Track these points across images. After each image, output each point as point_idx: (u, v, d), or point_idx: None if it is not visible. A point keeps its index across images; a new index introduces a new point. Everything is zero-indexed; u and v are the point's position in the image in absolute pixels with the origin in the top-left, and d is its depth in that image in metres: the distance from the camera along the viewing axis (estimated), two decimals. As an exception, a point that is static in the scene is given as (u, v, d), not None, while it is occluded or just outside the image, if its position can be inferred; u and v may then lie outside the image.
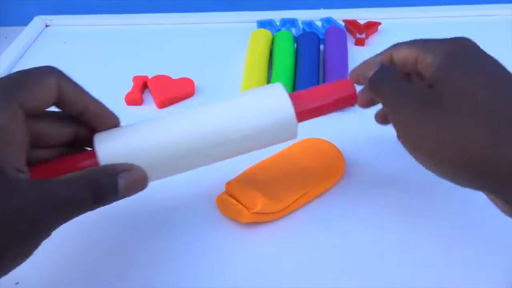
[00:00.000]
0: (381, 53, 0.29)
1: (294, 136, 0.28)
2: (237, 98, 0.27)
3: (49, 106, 0.24)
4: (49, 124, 0.25)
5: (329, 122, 0.40)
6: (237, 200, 0.30)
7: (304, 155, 0.34)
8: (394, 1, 0.58)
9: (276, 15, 0.57)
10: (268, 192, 0.30)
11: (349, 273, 0.28)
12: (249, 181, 0.31)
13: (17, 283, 0.28)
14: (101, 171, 0.23)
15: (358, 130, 0.38)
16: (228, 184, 0.31)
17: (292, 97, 0.27)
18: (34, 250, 0.21)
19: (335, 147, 0.35)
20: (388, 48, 0.28)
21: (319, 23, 0.54)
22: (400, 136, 0.24)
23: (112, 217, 0.32)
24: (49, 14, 0.60)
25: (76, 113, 0.25)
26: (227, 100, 0.27)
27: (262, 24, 0.55)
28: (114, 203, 0.24)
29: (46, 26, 0.59)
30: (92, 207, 0.22)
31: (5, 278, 0.28)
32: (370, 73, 0.27)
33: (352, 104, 0.31)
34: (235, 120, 0.26)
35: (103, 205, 0.23)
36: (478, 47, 0.26)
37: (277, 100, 0.26)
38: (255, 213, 0.29)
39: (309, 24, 0.54)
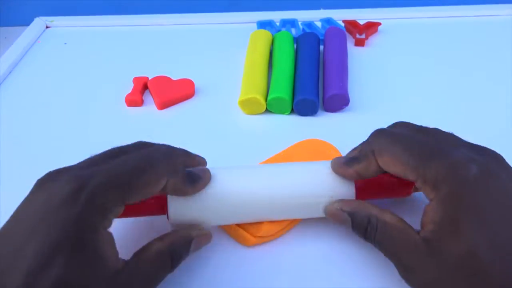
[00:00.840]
0: (365, 162, 0.26)
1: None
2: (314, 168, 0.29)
3: None
4: None
5: (328, 123, 0.40)
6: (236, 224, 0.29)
7: (303, 158, 0.34)
8: (394, 1, 0.58)
9: (276, 15, 0.57)
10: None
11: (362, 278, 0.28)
12: None
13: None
14: (180, 244, 0.25)
15: (356, 131, 0.38)
16: None
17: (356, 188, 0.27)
18: None
19: (333, 147, 0.35)
20: (368, 155, 0.26)
21: (319, 24, 0.54)
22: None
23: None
24: (50, 15, 0.60)
25: None
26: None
27: (262, 24, 0.55)
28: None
29: (47, 27, 0.59)
30: (170, 271, 0.25)
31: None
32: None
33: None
34: (308, 191, 0.28)
35: (178, 262, 0.25)
36: (484, 178, 0.21)
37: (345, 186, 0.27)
38: (259, 236, 0.29)
39: (309, 24, 0.54)
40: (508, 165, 0.23)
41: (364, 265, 0.28)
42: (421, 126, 0.27)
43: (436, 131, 0.26)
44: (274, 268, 0.28)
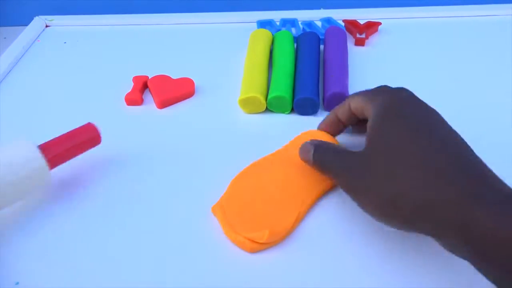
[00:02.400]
0: (341, 105, 0.34)
1: (48, 183, 0.32)
2: None
3: None
4: None
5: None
6: (234, 231, 0.29)
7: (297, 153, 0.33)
8: (394, 1, 0.58)
9: (276, 15, 0.57)
10: (270, 218, 0.29)
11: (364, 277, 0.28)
12: (244, 204, 0.30)
13: (17, 283, 0.28)
14: None
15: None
16: (219, 209, 0.30)
17: (41, 148, 0.31)
18: None
19: (333, 139, 0.35)
20: (346, 99, 0.33)
21: (319, 23, 0.54)
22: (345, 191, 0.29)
23: (115, 217, 0.32)
24: (49, 14, 0.60)
25: None
26: None
27: (262, 24, 0.55)
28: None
29: (46, 26, 0.59)
30: None
31: (5, 278, 0.28)
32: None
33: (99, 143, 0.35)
34: None
35: None
36: (411, 97, 0.29)
37: (27, 151, 0.30)
38: (261, 243, 0.29)
39: (309, 24, 0.54)
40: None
41: (366, 270, 0.28)
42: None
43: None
44: (277, 274, 0.28)
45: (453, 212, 0.22)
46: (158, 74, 0.46)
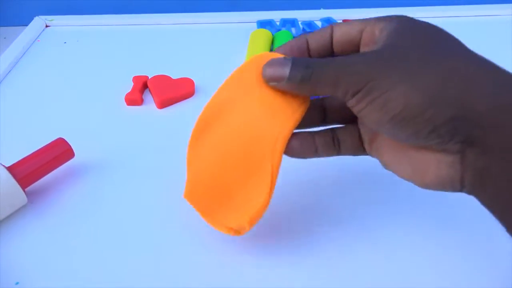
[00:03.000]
0: (318, 30, 0.26)
1: (24, 201, 0.32)
2: None
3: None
4: None
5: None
6: (214, 220, 0.25)
7: (255, 83, 0.25)
8: (394, 1, 0.58)
9: (276, 15, 0.57)
10: (244, 191, 0.25)
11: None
12: (212, 181, 0.26)
13: (17, 283, 0.28)
14: None
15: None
16: (190, 195, 0.26)
17: (9, 169, 0.31)
18: None
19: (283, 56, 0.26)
20: (326, 26, 0.26)
21: (319, 23, 0.54)
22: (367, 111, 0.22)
23: (115, 217, 0.32)
24: (49, 14, 0.60)
25: None
26: None
27: (262, 24, 0.55)
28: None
29: (46, 26, 0.59)
30: None
31: (5, 278, 0.28)
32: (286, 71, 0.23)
33: (72, 157, 0.35)
34: None
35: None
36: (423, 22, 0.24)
37: None
38: (247, 227, 0.25)
39: (309, 24, 0.54)
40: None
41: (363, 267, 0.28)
42: None
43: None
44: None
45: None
46: (158, 74, 0.46)
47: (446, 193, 0.23)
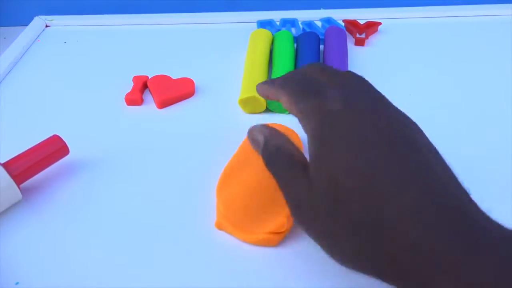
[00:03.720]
0: (274, 89, 0.28)
1: (19, 197, 0.32)
2: None
3: None
4: None
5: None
6: (251, 232, 0.29)
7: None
8: (394, 1, 0.58)
9: (276, 15, 0.57)
10: (274, 206, 0.30)
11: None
12: (243, 206, 0.30)
13: (17, 283, 0.28)
14: None
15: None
16: (223, 220, 0.30)
17: (4, 165, 0.31)
18: None
19: (294, 133, 0.36)
20: (278, 86, 0.28)
21: (319, 23, 0.54)
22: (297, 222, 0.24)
23: (115, 217, 0.32)
24: (49, 14, 0.60)
25: None
26: None
27: (262, 24, 0.55)
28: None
29: (46, 26, 0.59)
30: None
31: (5, 278, 0.28)
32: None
33: (67, 154, 0.35)
34: None
35: None
36: (344, 111, 0.23)
37: None
38: (284, 232, 0.29)
39: (309, 24, 0.54)
40: (375, 95, 0.25)
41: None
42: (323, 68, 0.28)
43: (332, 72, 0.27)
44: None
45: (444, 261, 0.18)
46: (158, 74, 0.46)
47: None
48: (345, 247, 0.21)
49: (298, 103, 0.25)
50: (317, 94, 0.24)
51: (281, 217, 0.29)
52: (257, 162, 0.32)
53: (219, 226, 0.30)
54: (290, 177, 0.24)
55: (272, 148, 0.26)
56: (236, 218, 0.30)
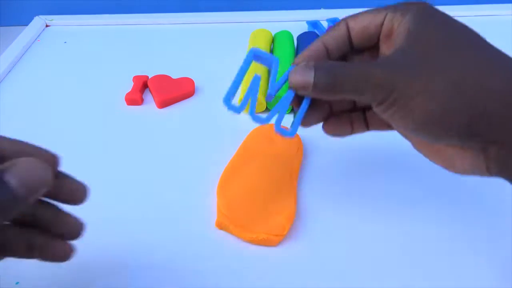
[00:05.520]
0: (332, 29, 0.26)
1: None
2: None
3: None
4: None
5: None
6: (252, 231, 0.29)
7: (264, 144, 0.35)
8: (394, 1, 0.58)
9: (277, 15, 0.57)
10: (275, 207, 0.30)
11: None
12: (244, 205, 0.31)
13: (17, 283, 0.28)
14: None
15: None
16: (224, 219, 0.30)
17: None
18: None
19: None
20: (340, 21, 0.26)
21: (325, 24, 0.54)
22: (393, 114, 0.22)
23: (115, 217, 0.32)
24: (50, 14, 0.60)
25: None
26: None
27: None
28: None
29: (47, 26, 0.59)
30: None
31: (5, 277, 0.28)
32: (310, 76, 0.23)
33: None
34: None
35: (7, 215, 0.18)
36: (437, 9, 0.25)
37: None
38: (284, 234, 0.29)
39: (315, 23, 0.54)
40: None
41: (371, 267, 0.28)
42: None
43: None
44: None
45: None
46: (158, 73, 0.46)
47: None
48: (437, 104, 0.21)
49: (387, 7, 0.25)
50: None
51: (281, 217, 0.29)
52: (258, 163, 0.33)
53: (220, 226, 0.31)
54: (359, 63, 0.24)
55: (327, 63, 0.24)
56: (237, 218, 0.30)
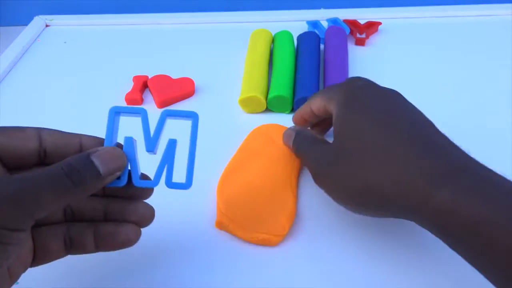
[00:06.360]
0: (303, 106, 0.34)
1: None
2: None
3: (32, 155, 0.24)
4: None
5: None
6: (252, 231, 0.30)
7: (264, 144, 0.35)
8: (394, 1, 0.58)
9: (277, 15, 0.57)
10: (275, 207, 0.30)
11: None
12: (244, 205, 0.31)
13: (17, 283, 0.28)
14: (73, 157, 0.22)
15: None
16: (224, 219, 0.30)
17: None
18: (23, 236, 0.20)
19: (281, 126, 0.37)
20: (307, 100, 0.33)
21: (325, 23, 0.54)
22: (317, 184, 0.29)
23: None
24: (49, 14, 0.60)
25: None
26: None
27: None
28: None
29: (46, 26, 0.59)
30: (76, 190, 0.21)
31: (5, 277, 0.28)
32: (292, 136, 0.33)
33: None
34: None
35: (91, 189, 0.22)
36: (368, 85, 0.29)
37: None
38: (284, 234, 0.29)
39: (315, 23, 0.54)
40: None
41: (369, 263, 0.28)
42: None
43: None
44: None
45: (416, 192, 0.23)
46: (158, 73, 0.46)
47: None
48: (343, 189, 0.27)
49: (328, 92, 0.31)
50: (342, 83, 0.31)
51: (281, 217, 0.29)
52: (258, 162, 0.33)
53: (220, 226, 0.30)
54: (317, 144, 0.30)
55: (301, 135, 0.32)
56: (237, 217, 0.30)
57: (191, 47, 0.53)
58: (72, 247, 0.25)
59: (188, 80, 0.45)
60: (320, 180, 0.28)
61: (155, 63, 0.49)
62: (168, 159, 0.26)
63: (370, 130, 0.26)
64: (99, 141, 0.26)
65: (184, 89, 0.44)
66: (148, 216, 0.26)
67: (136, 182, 0.25)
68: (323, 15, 0.56)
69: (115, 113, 0.26)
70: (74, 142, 0.25)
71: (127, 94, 0.43)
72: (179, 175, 0.26)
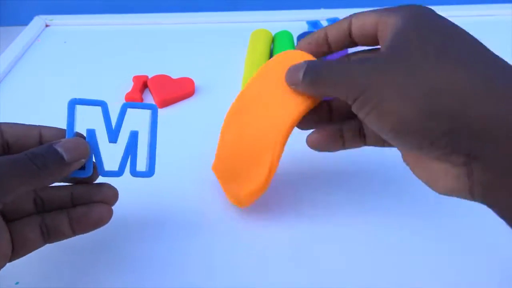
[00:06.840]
0: (338, 22, 0.27)
1: None
2: None
3: None
4: None
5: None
6: (228, 192, 0.31)
7: (277, 80, 0.28)
8: (394, 1, 0.58)
9: (277, 15, 0.57)
10: (249, 176, 0.28)
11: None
12: (230, 157, 0.30)
13: (17, 283, 0.28)
14: (37, 147, 0.24)
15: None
16: (216, 169, 0.32)
17: None
18: None
19: (306, 54, 0.29)
20: (347, 17, 0.27)
21: (325, 23, 0.54)
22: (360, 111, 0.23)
23: (115, 217, 0.32)
24: (50, 14, 0.60)
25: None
26: None
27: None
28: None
29: (46, 26, 0.59)
30: (40, 174, 0.22)
31: (5, 277, 0.28)
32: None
33: None
34: None
35: (55, 174, 0.23)
36: (434, 12, 0.24)
37: None
38: (256, 190, 0.28)
39: (315, 23, 0.54)
40: None
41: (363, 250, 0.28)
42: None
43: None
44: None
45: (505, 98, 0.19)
46: (158, 73, 0.46)
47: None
48: (409, 110, 0.21)
49: (381, 10, 0.25)
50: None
51: (243, 192, 0.29)
52: (257, 110, 0.29)
53: (214, 169, 0.32)
54: (346, 67, 0.23)
55: (316, 62, 0.26)
56: (223, 170, 0.31)
57: (191, 47, 0.53)
58: (50, 235, 0.26)
59: (188, 80, 0.45)
60: (369, 96, 0.22)
61: (155, 63, 0.49)
62: (131, 149, 0.28)
63: (445, 40, 0.22)
64: (60, 131, 0.27)
65: (184, 89, 0.44)
66: (111, 195, 0.27)
67: (102, 172, 0.27)
68: (323, 15, 0.56)
69: (76, 104, 0.28)
70: (34, 133, 0.26)
71: (127, 94, 0.43)
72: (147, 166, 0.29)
